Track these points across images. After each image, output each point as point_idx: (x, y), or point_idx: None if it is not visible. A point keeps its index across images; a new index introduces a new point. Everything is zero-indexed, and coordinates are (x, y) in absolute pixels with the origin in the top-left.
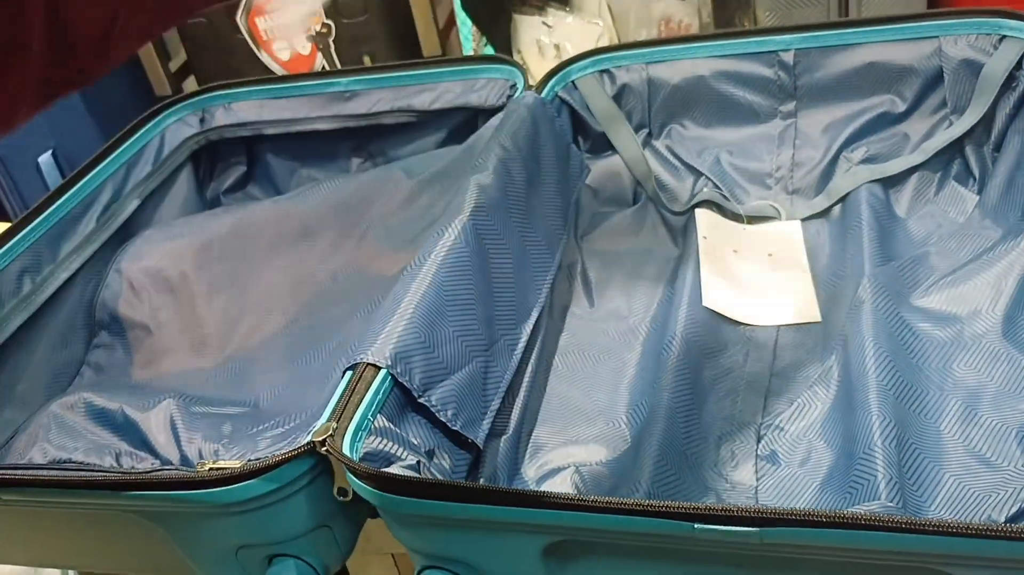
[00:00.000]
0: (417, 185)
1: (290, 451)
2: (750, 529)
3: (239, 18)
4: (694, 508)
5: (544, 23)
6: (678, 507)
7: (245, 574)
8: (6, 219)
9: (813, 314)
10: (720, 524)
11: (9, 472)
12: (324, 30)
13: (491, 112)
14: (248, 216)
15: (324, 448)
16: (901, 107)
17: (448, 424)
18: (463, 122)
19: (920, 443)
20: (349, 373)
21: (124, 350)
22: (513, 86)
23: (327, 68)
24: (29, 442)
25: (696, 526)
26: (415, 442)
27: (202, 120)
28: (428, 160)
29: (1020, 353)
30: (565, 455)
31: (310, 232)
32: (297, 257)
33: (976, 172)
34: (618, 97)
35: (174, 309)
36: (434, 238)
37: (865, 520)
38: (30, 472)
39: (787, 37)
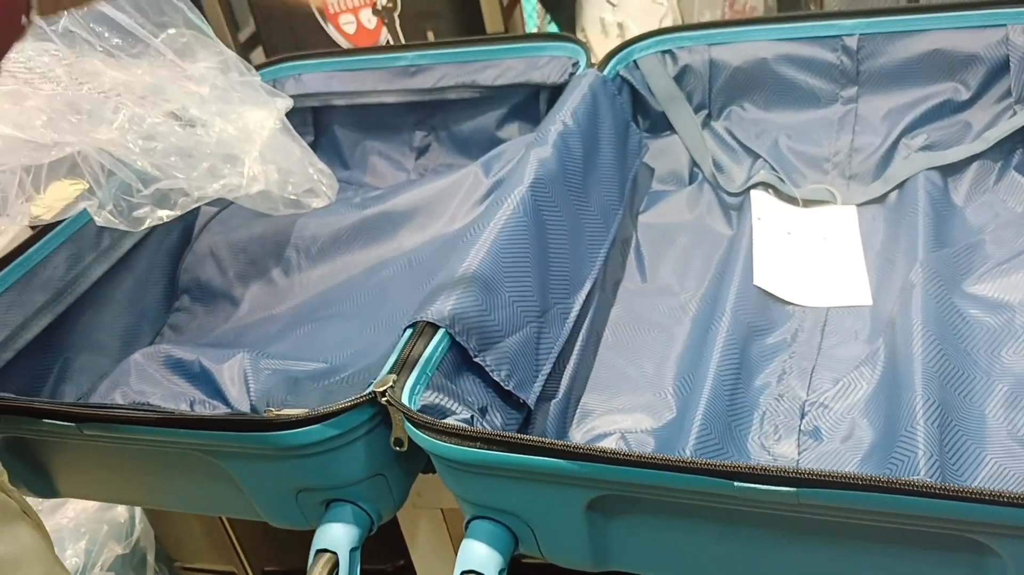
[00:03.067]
0: (494, 183)
1: (352, 400)
2: (788, 489)
3: None
4: (734, 466)
5: (609, 1)
6: (719, 465)
7: (303, 517)
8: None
9: (864, 297)
10: (759, 483)
11: (93, 409)
12: (390, 5)
13: (553, 89)
14: (334, 212)
15: (384, 398)
16: (964, 95)
17: (501, 384)
18: (525, 98)
19: (963, 425)
20: (410, 330)
21: (204, 315)
22: (575, 64)
23: (391, 43)
24: (111, 386)
25: (736, 483)
26: (469, 399)
27: None
28: (503, 156)
29: None
30: (611, 422)
31: (394, 222)
32: (379, 243)
33: None
34: (679, 78)
35: (255, 279)
36: (493, 207)
37: (902, 485)
38: (112, 411)
39: (852, 22)
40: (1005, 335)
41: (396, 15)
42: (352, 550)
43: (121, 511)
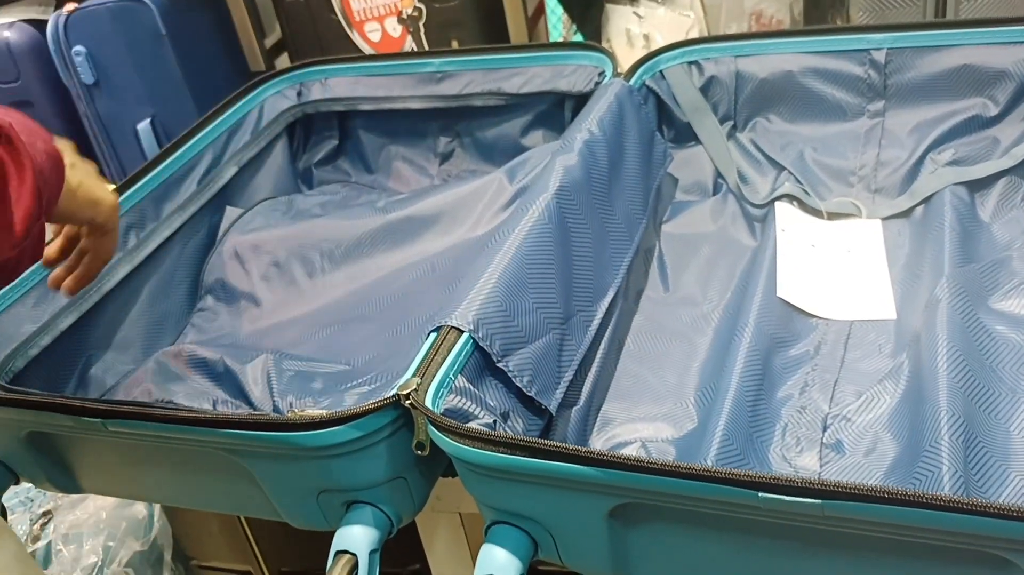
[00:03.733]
0: (518, 190)
1: (376, 402)
2: (813, 501)
3: None
4: (759, 477)
5: (635, 13)
6: (743, 475)
7: (324, 517)
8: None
9: (888, 311)
10: (784, 494)
11: (118, 405)
12: (415, 13)
13: (578, 97)
14: (358, 215)
15: (408, 401)
16: (993, 111)
17: (524, 389)
18: (550, 106)
19: (988, 442)
20: (434, 334)
21: (227, 315)
22: (602, 73)
23: (416, 51)
24: (135, 384)
25: (760, 494)
26: (491, 403)
27: (299, 94)
28: (527, 163)
29: None
30: (632, 430)
31: (418, 226)
32: (402, 248)
33: None
34: (705, 88)
35: (278, 281)
36: (519, 214)
37: (929, 499)
38: (138, 408)
39: (880, 36)
40: None
41: (421, 24)
42: (371, 552)
43: (140, 508)
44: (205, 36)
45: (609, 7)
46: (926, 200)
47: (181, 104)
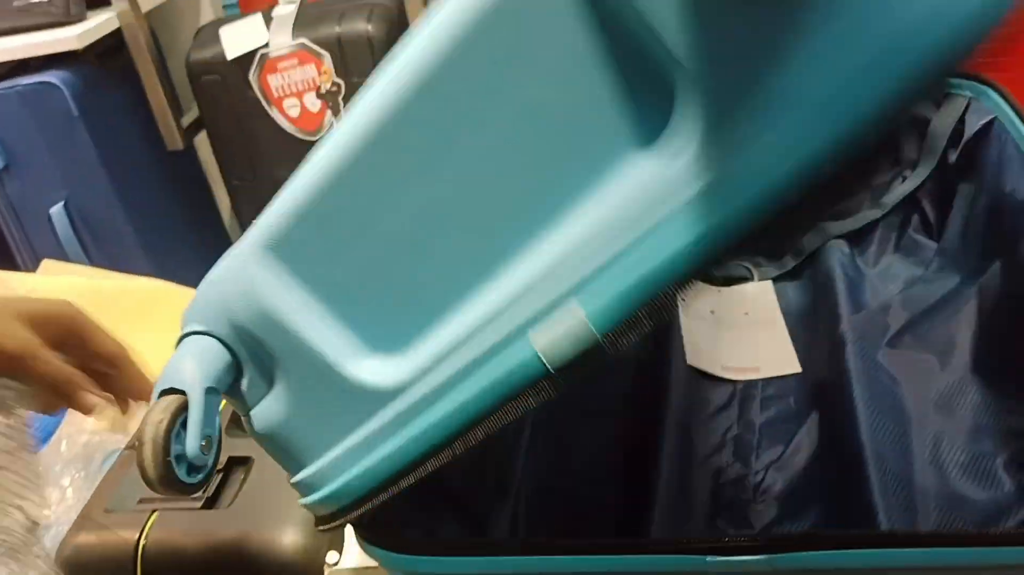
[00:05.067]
0: None
1: None
2: (759, 557)
3: (251, 75)
4: (704, 540)
5: None
6: (689, 540)
7: None
8: (15, 268)
9: (793, 365)
10: (733, 554)
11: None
12: (334, 88)
13: None
14: None
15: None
16: None
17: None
18: None
19: (907, 478)
20: None
21: None
22: None
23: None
24: None
25: (708, 558)
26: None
27: None
28: None
29: (988, 387)
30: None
31: None
32: None
33: (933, 221)
34: None
35: None
36: None
37: (876, 537)
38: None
39: None
40: (930, 386)
41: (340, 98)
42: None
43: None
44: (121, 116)
45: None
46: (811, 257)
47: (97, 185)
